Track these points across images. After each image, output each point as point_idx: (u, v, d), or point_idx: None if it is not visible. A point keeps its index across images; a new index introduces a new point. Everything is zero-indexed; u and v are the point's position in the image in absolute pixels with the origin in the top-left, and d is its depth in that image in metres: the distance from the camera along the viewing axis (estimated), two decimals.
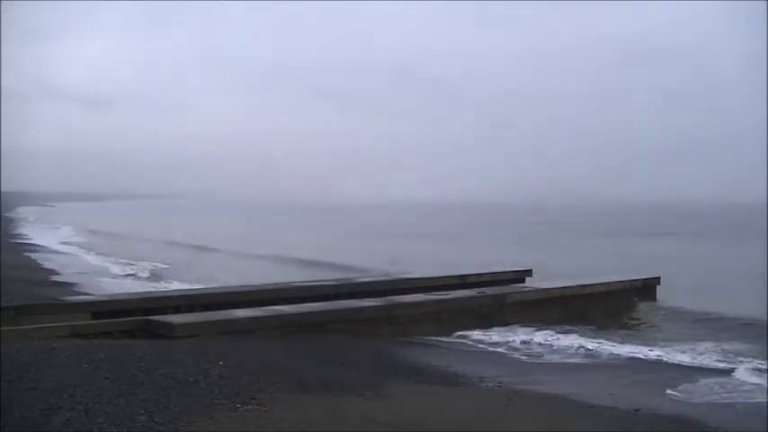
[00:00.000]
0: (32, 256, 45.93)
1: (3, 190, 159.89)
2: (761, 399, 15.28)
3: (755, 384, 16.39)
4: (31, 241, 59.69)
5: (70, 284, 31.40)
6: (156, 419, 10.40)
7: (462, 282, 27.54)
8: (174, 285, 31.49)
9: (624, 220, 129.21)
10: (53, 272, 36.89)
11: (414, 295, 23.64)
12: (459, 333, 21.54)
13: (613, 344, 21.00)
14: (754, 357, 18.79)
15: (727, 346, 20.54)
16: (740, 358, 19.01)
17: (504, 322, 22.90)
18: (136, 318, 18.47)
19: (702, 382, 16.79)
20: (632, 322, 25.69)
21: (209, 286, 27.15)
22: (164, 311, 19.92)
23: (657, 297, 29.20)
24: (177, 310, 20.56)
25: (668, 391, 15.90)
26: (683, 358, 19.49)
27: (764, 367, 17.61)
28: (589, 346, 20.59)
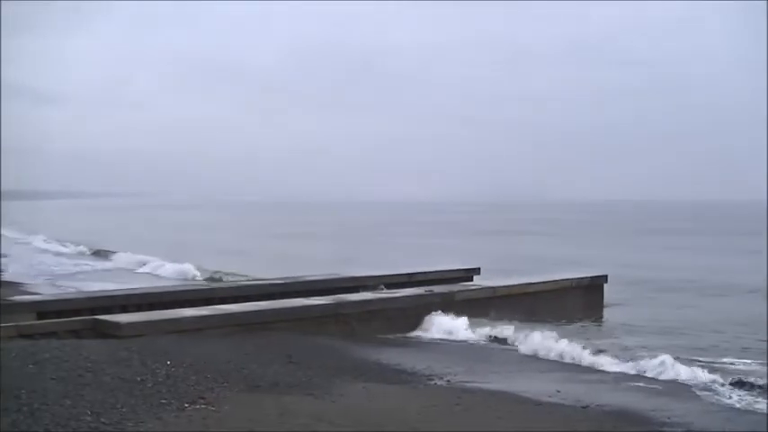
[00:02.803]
0: None
1: None
2: (713, 399, 15.47)
3: (706, 385, 16.52)
4: None
5: (15, 284, 31.04)
6: (102, 420, 10.32)
7: (410, 280, 27.62)
8: None
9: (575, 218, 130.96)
10: None
11: (361, 293, 23.67)
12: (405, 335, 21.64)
13: (562, 342, 21.21)
14: (708, 362, 18.91)
15: (671, 350, 20.71)
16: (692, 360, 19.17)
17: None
18: (82, 317, 18.30)
19: (651, 379, 17.02)
20: (579, 320, 25.87)
21: (157, 285, 26.95)
22: (110, 311, 19.78)
23: (605, 296, 29.39)
24: (124, 309, 20.42)
25: (617, 389, 16.09)
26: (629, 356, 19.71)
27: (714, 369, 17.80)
28: (539, 345, 20.74)
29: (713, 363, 18.60)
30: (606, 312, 27.97)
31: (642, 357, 18.54)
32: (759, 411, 14.44)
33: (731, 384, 16.29)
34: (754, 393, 15.57)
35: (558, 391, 15.34)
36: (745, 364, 18.70)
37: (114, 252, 50.64)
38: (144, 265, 42.92)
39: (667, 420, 13.50)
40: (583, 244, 67.62)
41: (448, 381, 15.96)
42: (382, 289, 24.62)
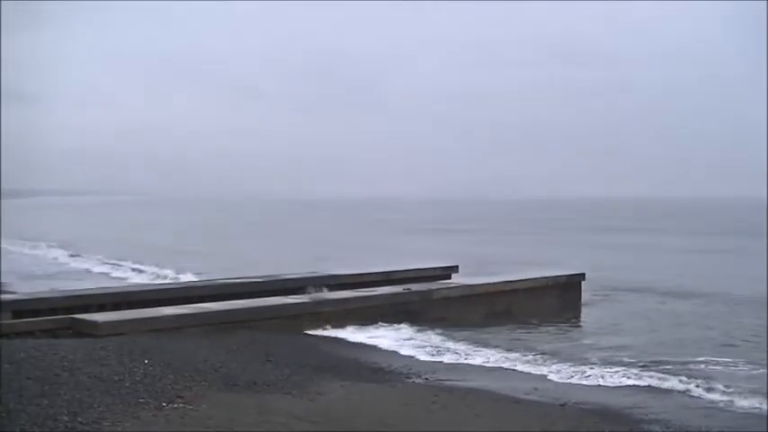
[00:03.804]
0: None
1: None
2: (691, 397, 15.47)
3: (685, 385, 16.49)
4: None
5: None
6: (79, 419, 10.29)
7: (388, 278, 27.56)
8: None
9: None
10: None
11: (339, 292, 23.65)
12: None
13: (539, 341, 21.29)
14: (688, 361, 18.90)
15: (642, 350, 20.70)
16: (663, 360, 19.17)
17: (430, 319, 23.01)
18: (59, 316, 18.22)
19: (631, 378, 17.01)
20: (556, 320, 25.86)
21: (134, 284, 26.82)
22: (88, 309, 19.68)
23: (582, 294, 29.37)
24: (102, 308, 20.32)
25: (595, 387, 16.12)
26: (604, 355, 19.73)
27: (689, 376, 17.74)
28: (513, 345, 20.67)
29: (692, 362, 18.61)
30: (583, 311, 27.96)
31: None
32: (739, 410, 14.47)
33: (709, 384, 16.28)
34: (734, 392, 15.55)
35: (536, 389, 15.39)
36: (727, 363, 18.62)
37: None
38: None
39: (645, 418, 13.56)
40: (558, 243, 67.69)
41: (426, 379, 15.98)
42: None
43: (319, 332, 20.70)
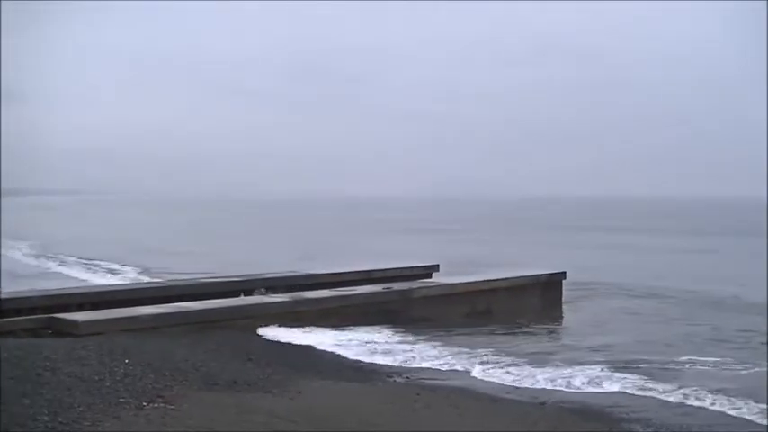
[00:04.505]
0: None
1: None
2: (670, 397, 15.49)
3: (660, 385, 16.47)
4: None
5: None
6: (60, 419, 10.24)
7: (368, 277, 27.47)
8: None
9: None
10: None
11: (319, 291, 23.62)
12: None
13: (518, 340, 21.33)
14: (668, 360, 18.91)
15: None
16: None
17: (409, 318, 23.03)
18: (39, 315, 18.15)
19: (611, 377, 17.01)
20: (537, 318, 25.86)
21: (114, 283, 26.69)
22: (67, 309, 19.58)
23: (565, 292, 29.36)
24: (81, 307, 20.19)
25: (574, 386, 16.13)
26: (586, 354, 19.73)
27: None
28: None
29: (674, 361, 18.60)
30: (566, 310, 27.94)
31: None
32: (720, 409, 14.45)
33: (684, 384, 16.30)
34: (715, 391, 15.53)
35: (517, 388, 15.45)
36: (712, 362, 18.52)
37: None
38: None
39: (625, 416, 13.62)
40: (555, 243, 67.49)
41: (407, 377, 16.02)
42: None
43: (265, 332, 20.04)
